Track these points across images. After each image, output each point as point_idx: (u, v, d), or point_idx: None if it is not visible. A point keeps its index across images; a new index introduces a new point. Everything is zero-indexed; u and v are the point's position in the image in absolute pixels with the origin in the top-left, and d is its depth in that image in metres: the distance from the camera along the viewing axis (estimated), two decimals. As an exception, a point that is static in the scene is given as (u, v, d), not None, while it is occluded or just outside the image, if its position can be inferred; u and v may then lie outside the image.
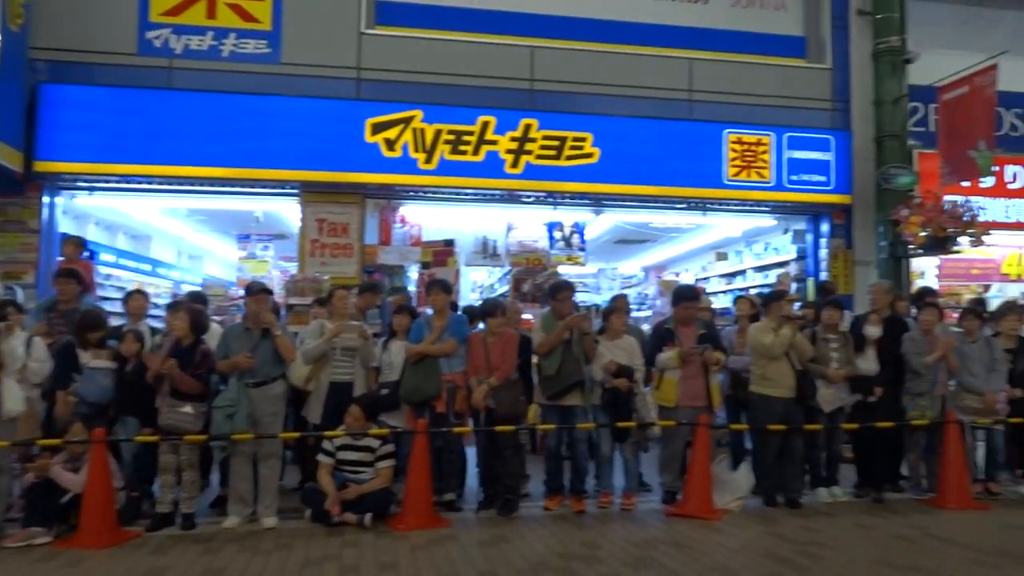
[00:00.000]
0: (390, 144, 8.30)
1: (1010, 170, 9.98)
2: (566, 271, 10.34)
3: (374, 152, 8.30)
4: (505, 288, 10.56)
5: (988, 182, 9.55)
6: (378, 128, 8.31)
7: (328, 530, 5.10)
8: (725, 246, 12.49)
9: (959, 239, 8.58)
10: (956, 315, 7.57)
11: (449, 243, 9.12)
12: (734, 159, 9.08)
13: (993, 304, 8.49)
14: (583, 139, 8.71)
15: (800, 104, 9.54)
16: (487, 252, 9.64)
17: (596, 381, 5.87)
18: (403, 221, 9.16)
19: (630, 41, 9.30)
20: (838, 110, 9.66)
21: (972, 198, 9.05)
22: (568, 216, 9.54)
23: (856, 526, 5.35)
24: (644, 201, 9.15)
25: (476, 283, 13.75)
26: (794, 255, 10.28)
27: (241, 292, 9.05)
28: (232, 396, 5.18)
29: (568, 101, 8.89)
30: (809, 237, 9.99)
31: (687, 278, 13.54)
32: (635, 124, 8.92)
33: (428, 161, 8.36)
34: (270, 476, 5.39)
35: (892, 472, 6.51)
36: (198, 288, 9.56)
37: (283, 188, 8.44)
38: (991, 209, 9.75)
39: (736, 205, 9.38)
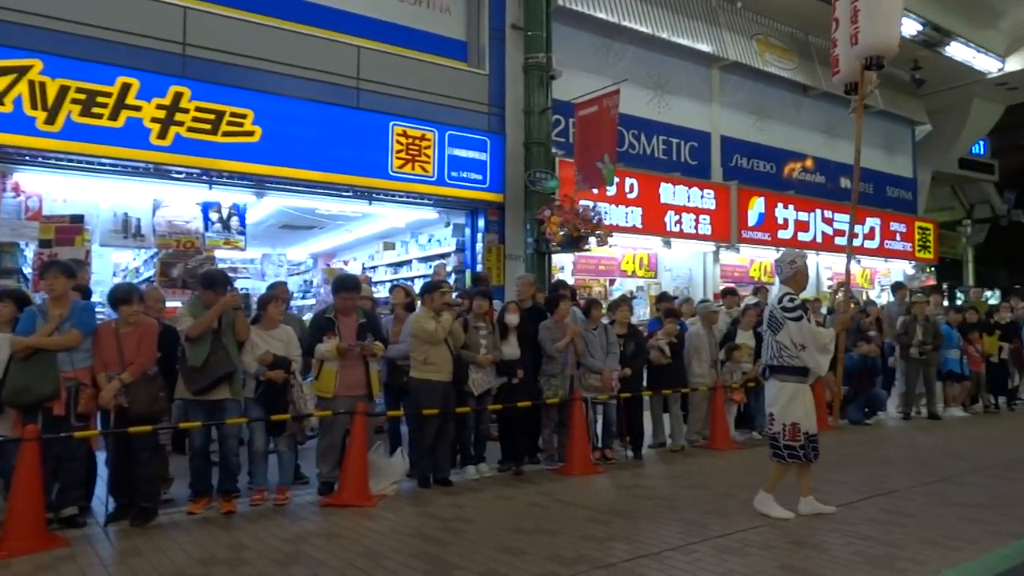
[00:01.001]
0: (-3, 96, 6.92)
1: (628, 182, 11.73)
2: (224, 256, 9.67)
3: (-27, 104, 6.85)
4: (152, 272, 9.50)
5: (611, 191, 11.10)
6: (-21, 75, 6.86)
7: None
8: (392, 236, 12.75)
9: (590, 239, 9.81)
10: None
11: (78, 219, 7.88)
12: (399, 151, 9.29)
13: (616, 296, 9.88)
14: (243, 115, 8.18)
15: (461, 105, 10.09)
16: (129, 231, 8.53)
17: (249, 373, 5.57)
18: (16, 190, 7.68)
19: (296, 19, 8.92)
20: (494, 114, 10.43)
21: (600, 204, 10.46)
22: (226, 197, 8.88)
23: (497, 498, 5.83)
24: (309, 186, 8.91)
25: (120, 266, 12.17)
26: (454, 248, 10.90)
27: None
28: None
29: (227, 73, 8.25)
30: (467, 231, 10.66)
31: (355, 267, 13.58)
32: (301, 106, 8.63)
33: (50, 122, 7.12)
34: None
35: (531, 446, 7.25)
36: None
37: None
38: (613, 214, 11.36)
39: (401, 196, 9.60)
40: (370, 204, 9.57)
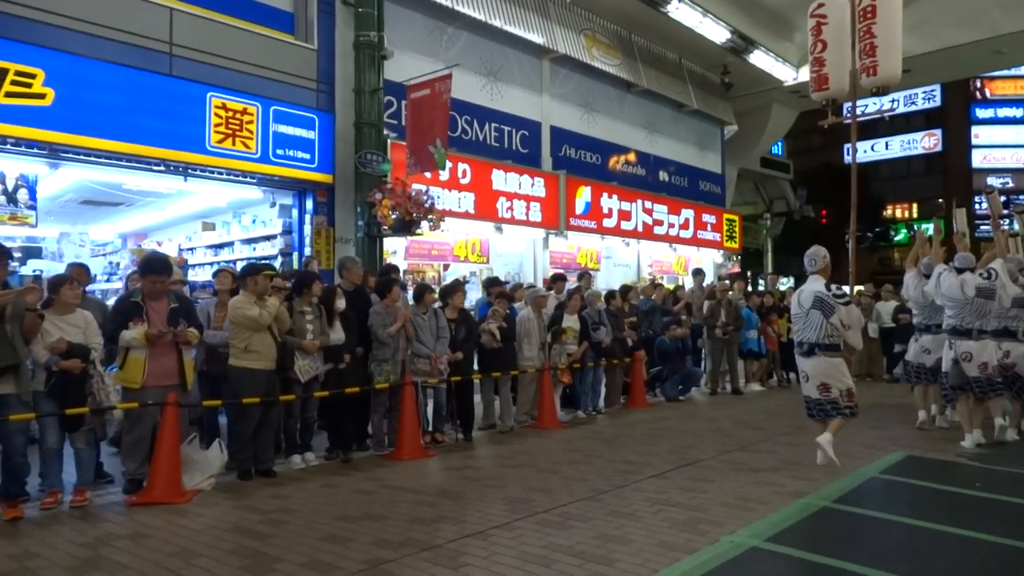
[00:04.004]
0: None
1: (461, 167, 11.77)
2: (10, 233, 8.64)
3: None
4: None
5: (444, 176, 11.08)
6: None
7: None
8: (212, 216, 11.97)
9: (422, 223, 9.74)
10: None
11: None
12: (218, 125, 8.70)
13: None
14: (32, 75, 7.27)
15: (287, 80, 9.62)
16: None
17: (39, 363, 5.01)
18: None
19: (96, -28, 8.09)
20: (323, 92, 10.05)
21: (432, 188, 10.41)
22: (12, 166, 7.90)
23: (323, 487, 5.67)
24: (114, 158, 8.08)
25: None
26: (280, 229, 10.42)
27: None
28: None
29: (11, 25, 7.28)
30: (295, 212, 10.23)
31: (170, 247, 12.61)
32: (104, 69, 7.83)
33: None
34: None
35: (360, 433, 7.11)
36: None
37: None
38: (446, 199, 11.35)
39: (221, 173, 8.98)
40: (185, 180, 8.90)
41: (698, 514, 4.82)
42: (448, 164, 10.24)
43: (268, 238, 10.74)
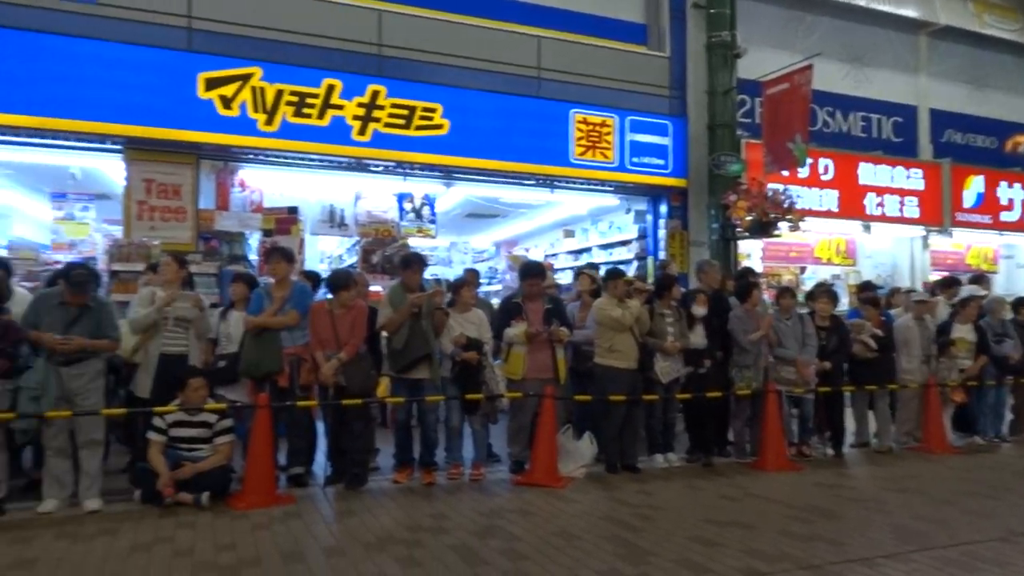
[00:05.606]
0: (226, 102, 7.73)
1: (823, 163, 10.96)
2: (416, 243, 10.19)
3: (208, 109, 7.70)
4: (354, 259, 10.25)
5: (804, 173, 10.43)
6: (212, 84, 7.70)
7: (160, 511, 4.74)
8: (572, 223, 12.82)
9: (779, 224, 9.29)
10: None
11: (293, 210, 8.67)
12: (580, 139, 9.32)
13: (809, 285, 9.30)
14: (433, 109, 8.57)
15: (641, 89, 9.93)
16: (334, 221, 9.27)
17: (446, 354, 5.84)
18: (242, 185, 8.59)
19: (479, 13, 9.25)
20: (675, 97, 10.15)
21: (791, 187, 9.87)
22: (418, 188, 9.39)
23: (687, 488, 5.70)
24: (494, 176, 9.19)
25: (325, 253, 13.23)
26: (636, 234, 10.76)
27: (56, 256, 8.23)
28: (39, 378, 4.65)
29: (417, 70, 8.70)
30: (649, 217, 10.49)
31: (536, 254, 13.80)
32: (485, 98, 8.91)
33: (269, 123, 7.89)
34: (90, 456, 4.89)
35: (720, 438, 7.00)
36: (2, 251, 8.48)
37: (103, 143, 7.64)
38: (806, 198, 10.66)
39: (582, 184, 9.64)
40: (552, 192, 9.71)
41: None
42: (808, 160, 9.64)
43: (624, 243, 11.16)
